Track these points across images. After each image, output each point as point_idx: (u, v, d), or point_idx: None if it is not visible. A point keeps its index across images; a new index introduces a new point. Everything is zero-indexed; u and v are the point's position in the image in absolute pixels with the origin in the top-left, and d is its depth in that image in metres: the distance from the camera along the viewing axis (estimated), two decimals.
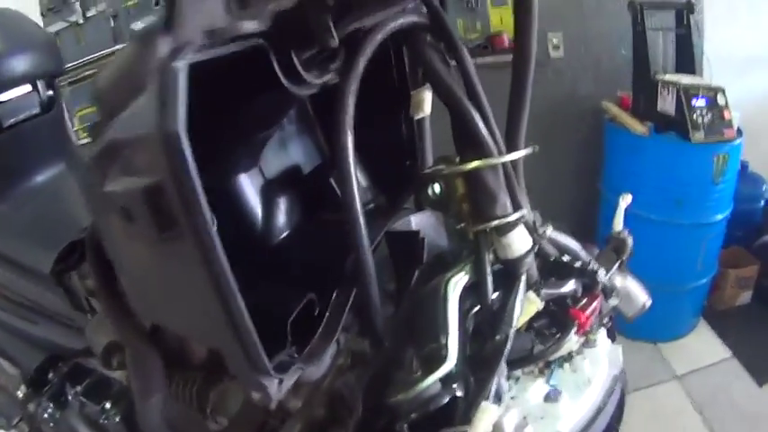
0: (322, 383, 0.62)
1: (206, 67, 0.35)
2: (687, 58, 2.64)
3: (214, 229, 0.43)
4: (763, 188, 3.12)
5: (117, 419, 1.00)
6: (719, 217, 2.58)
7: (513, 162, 0.64)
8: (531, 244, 0.64)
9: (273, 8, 0.41)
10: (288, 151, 0.73)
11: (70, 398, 1.12)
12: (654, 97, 2.52)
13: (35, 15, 2.70)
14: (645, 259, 2.45)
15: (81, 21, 2.55)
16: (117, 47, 2.52)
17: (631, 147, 2.62)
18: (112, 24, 2.58)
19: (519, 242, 0.62)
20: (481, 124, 0.61)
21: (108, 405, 1.01)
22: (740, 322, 2.98)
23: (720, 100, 2.41)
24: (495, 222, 0.60)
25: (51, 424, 1.16)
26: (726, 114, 2.41)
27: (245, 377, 0.50)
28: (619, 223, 0.98)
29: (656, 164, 2.52)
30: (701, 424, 2.48)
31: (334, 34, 0.46)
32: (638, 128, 2.54)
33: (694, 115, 2.37)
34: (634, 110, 2.66)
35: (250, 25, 0.40)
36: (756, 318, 2.99)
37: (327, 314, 0.59)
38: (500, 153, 0.62)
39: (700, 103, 2.38)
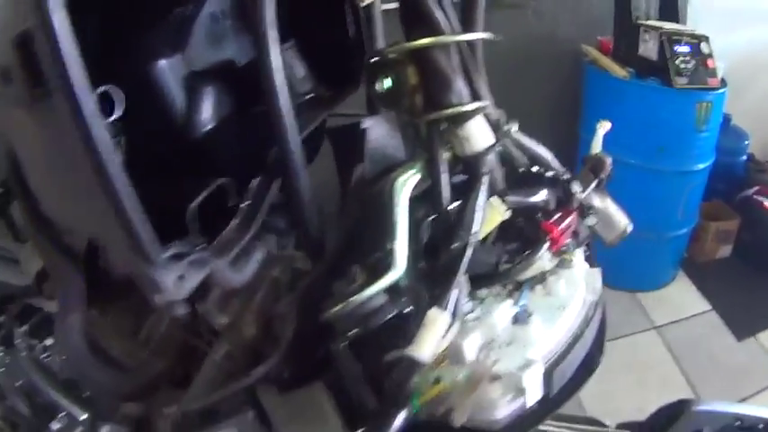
0: (252, 298, 0.53)
1: None
2: (671, 5, 2.56)
3: (87, 87, 0.35)
4: (746, 142, 3.06)
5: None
6: (701, 166, 2.52)
7: (471, 47, 0.53)
8: (494, 141, 0.54)
9: None
10: (222, 46, 0.65)
11: (18, 340, 1.06)
12: (635, 42, 2.44)
13: None
14: (626, 206, 2.39)
15: None
16: None
17: (612, 91, 2.54)
18: None
19: (478, 135, 0.52)
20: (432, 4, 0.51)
21: (50, 342, 0.94)
22: (720, 276, 2.96)
23: (705, 48, 2.34)
24: (450, 110, 0.50)
25: (1, 368, 1.09)
26: (710, 63, 2.34)
27: (135, 269, 0.41)
28: (596, 147, 0.88)
29: (637, 109, 2.44)
30: (678, 375, 2.46)
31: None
32: (619, 71, 2.46)
33: (677, 61, 2.29)
34: (615, 54, 2.58)
35: None
36: (736, 272, 2.97)
37: (245, 204, 0.50)
38: (454, 33, 0.51)
39: (683, 49, 2.31)
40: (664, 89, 2.33)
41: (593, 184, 0.75)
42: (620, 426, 1.08)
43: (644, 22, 2.45)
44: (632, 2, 2.49)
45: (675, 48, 2.30)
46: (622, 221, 0.79)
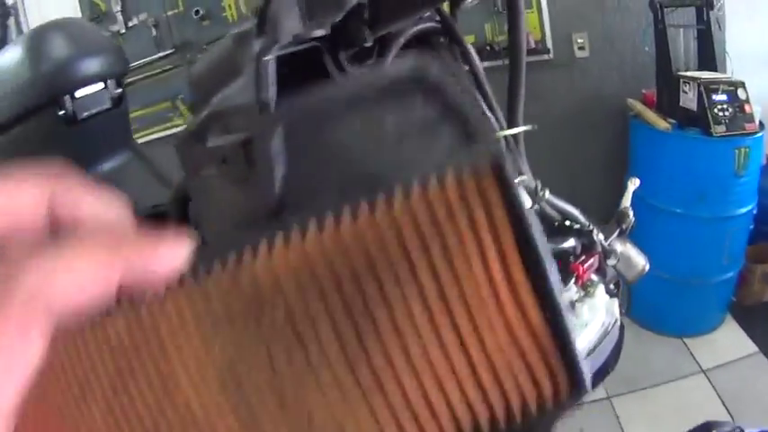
0: None
1: (283, 59, 0.51)
2: (708, 54, 2.75)
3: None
4: None
5: None
6: (743, 210, 2.68)
7: (515, 137, 0.78)
8: (532, 203, 0.78)
9: (329, 20, 0.56)
10: None
11: None
12: (676, 94, 2.63)
13: None
14: (671, 253, 2.62)
15: (123, 30, 2.75)
16: (161, 54, 2.73)
17: (655, 143, 2.74)
18: (154, 33, 2.77)
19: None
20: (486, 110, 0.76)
21: None
22: (767, 318, 3.04)
23: (741, 94, 2.52)
24: None
25: None
26: (747, 108, 2.52)
27: None
28: (625, 202, 1.12)
29: (679, 159, 2.64)
30: (726, 417, 2.56)
31: (368, 38, 0.61)
32: (661, 124, 2.66)
33: (715, 110, 2.48)
34: (658, 106, 2.78)
35: (316, 32, 0.55)
36: None
37: None
38: (501, 128, 0.76)
39: (720, 97, 2.49)
40: (703, 138, 2.52)
41: (616, 233, 0.99)
42: None
43: (684, 73, 2.66)
44: (672, 54, 2.71)
45: (713, 97, 2.48)
46: (641, 262, 1.02)
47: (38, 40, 1.20)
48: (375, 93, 0.29)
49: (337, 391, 0.24)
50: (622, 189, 2.96)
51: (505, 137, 0.76)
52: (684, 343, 2.96)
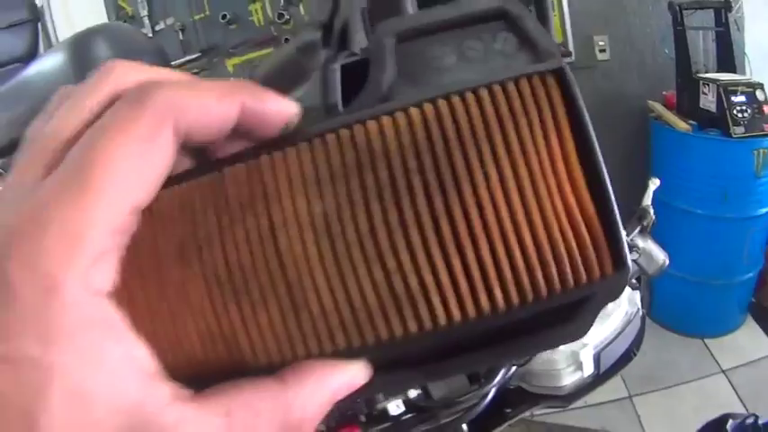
0: None
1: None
2: (728, 56, 2.79)
3: None
4: None
5: None
6: (763, 211, 2.72)
7: None
8: None
9: None
10: None
11: None
12: (696, 95, 2.68)
13: None
14: (692, 254, 2.67)
15: (150, 34, 2.83)
16: (188, 57, 2.80)
17: (676, 144, 2.79)
18: (181, 37, 2.85)
19: None
20: None
21: None
22: None
23: (759, 95, 2.55)
24: None
25: None
26: (765, 109, 2.55)
27: None
28: (646, 200, 1.19)
29: (699, 160, 2.69)
30: None
31: None
32: (681, 125, 2.70)
33: (734, 111, 2.52)
34: (678, 108, 2.83)
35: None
36: None
37: None
38: None
39: (739, 99, 2.52)
40: (723, 140, 2.57)
41: (638, 230, 1.07)
42: None
43: (703, 75, 2.70)
44: (691, 56, 2.75)
45: (732, 98, 2.52)
46: (661, 257, 1.10)
47: (82, 44, 1.28)
48: (464, 20, 0.34)
49: (422, 251, 0.28)
50: (643, 189, 3.04)
51: None
52: (705, 343, 3.01)
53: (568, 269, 0.29)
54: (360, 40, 0.59)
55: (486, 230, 0.28)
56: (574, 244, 0.29)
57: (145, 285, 0.29)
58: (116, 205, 0.26)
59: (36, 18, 2.30)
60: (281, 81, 0.67)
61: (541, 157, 0.29)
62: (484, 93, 0.29)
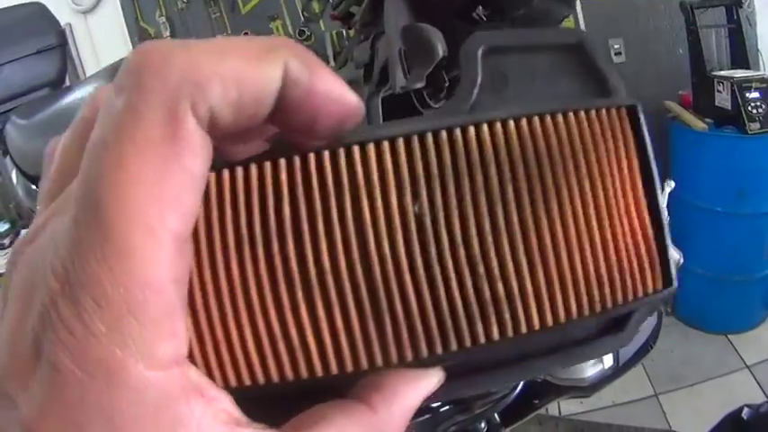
0: None
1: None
2: (741, 53, 2.82)
3: None
4: None
5: None
6: None
7: None
8: None
9: (424, 72, 0.69)
10: None
11: None
12: (711, 93, 2.70)
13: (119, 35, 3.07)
14: (713, 251, 2.71)
15: None
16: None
17: (693, 143, 2.82)
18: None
19: None
20: None
21: None
22: None
23: None
24: None
25: None
26: None
27: None
28: (662, 201, 1.26)
29: (717, 158, 2.71)
30: None
31: (446, 80, 0.76)
32: (698, 124, 2.73)
33: (749, 108, 2.54)
34: (695, 107, 2.85)
35: (417, 84, 0.69)
36: None
37: None
38: None
39: (754, 95, 2.54)
40: (739, 137, 2.60)
41: None
42: None
43: (717, 72, 2.73)
44: (705, 54, 2.77)
45: (746, 95, 2.54)
46: (675, 256, 1.17)
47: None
48: (545, 46, 0.35)
49: (509, 256, 0.29)
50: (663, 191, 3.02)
51: None
52: (729, 339, 3.02)
53: (629, 284, 0.31)
54: (399, 77, 0.66)
55: (567, 244, 0.30)
56: (635, 262, 0.31)
57: (203, 286, 0.26)
58: (154, 254, 0.20)
59: (64, 43, 2.36)
60: None
61: (615, 181, 0.31)
62: (572, 117, 0.31)
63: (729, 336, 3.05)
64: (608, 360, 0.92)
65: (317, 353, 0.27)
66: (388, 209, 0.27)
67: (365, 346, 0.28)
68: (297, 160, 0.27)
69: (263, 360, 0.27)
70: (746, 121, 2.56)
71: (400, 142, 0.28)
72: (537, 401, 0.93)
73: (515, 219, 0.29)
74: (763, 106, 2.57)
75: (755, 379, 2.80)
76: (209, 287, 0.26)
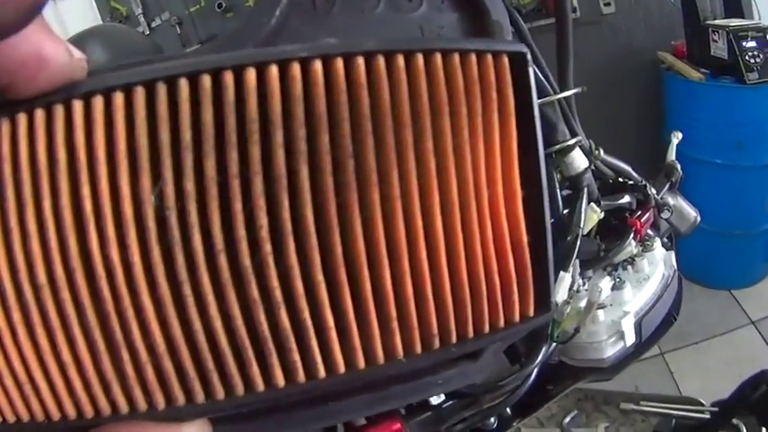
0: None
1: None
2: (734, 2, 2.75)
3: None
4: None
5: None
6: None
7: (567, 99, 0.82)
8: (588, 163, 0.82)
9: None
10: None
11: None
12: (706, 43, 2.63)
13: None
14: (713, 205, 2.62)
15: (147, 32, 2.79)
16: (188, 50, 2.74)
17: (689, 94, 2.74)
18: (179, 31, 2.82)
19: (578, 161, 0.80)
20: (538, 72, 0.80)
21: None
22: None
23: None
24: (557, 146, 0.78)
25: None
26: None
27: None
28: (671, 155, 1.14)
29: (714, 109, 2.64)
30: None
31: None
32: (694, 74, 2.66)
33: (746, 57, 2.47)
34: (689, 57, 2.79)
35: None
36: None
37: None
38: (555, 92, 0.80)
39: (750, 44, 2.47)
40: (737, 87, 2.52)
41: (666, 187, 1.02)
42: (714, 403, 1.29)
43: (712, 22, 2.64)
44: (698, 3, 2.69)
45: (743, 44, 2.47)
46: (692, 214, 1.06)
47: (79, 47, 1.26)
48: None
49: (297, 270, 0.22)
50: (659, 142, 2.98)
51: (558, 99, 0.80)
52: (732, 295, 2.99)
53: (486, 313, 0.24)
54: None
55: (393, 251, 0.23)
56: (497, 281, 0.24)
57: None
58: None
59: None
60: None
61: (478, 160, 0.24)
62: (419, 60, 0.24)
63: (733, 291, 3.01)
64: (630, 336, 0.80)
65: (46, 391, 0.20)
66: (117, 198, 0.20)
67: (102, 387, 0.21)
68: (2, 124, 0.20)
69: None
70: (744, 71, 2.49)
71: (138, 94, 0.21)
72: (551, 387, 0.82)
73: (309, 213, 0.21)
74: (761, 56, 2.49)
75: (761, 334, 2.76)
76: None
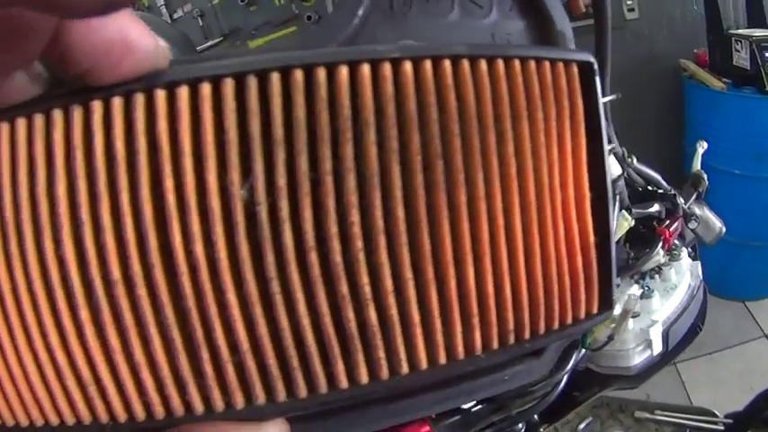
0: None
1: None
2: (758, 11, 2.72)
3: None
4: None
5: None
6: None
7: (605, 106, 0.82)
8: (621, 170, 0.82)
9: None
10: None
11: None
12: (729, 52, 2.60)
13: None
14: (730, 215, 2.55)
15: (169, 22, 2.79)
16: (210, 43, 2.76)
17: (710, 103, 2.72)
18: (201, 23, 2.80)
19: (612, 167, 0.80)
20: None
21: None
22: None
23: None
24: None
25: None
26: None
27: None
28: (696, 165, 1.14)
29: (734, 118, 2.62)
30: None
31: None
32: (716, 83, 2.64)
33: None
34: (711, 66, 2.75)
35: None
36: None
37: None
38: None
39: None
40: (758, 97, 2.50)
41: (694, 197, 1.02)
42: (727, 415, 1.28)
43: (735, 31, 2.62)
44: (722, 12, 2.68)
45: (766, 55, 2.44)
46: (718, 225, 1.06)
47: None
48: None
49: (388, 268, 0.23)
50: (679, 150, 2.95)
51: None
52: (746, 306, 2.97)
53: (556, 310, 0.25)
54: None
55: (477, 250, 0.23)
56: (568, 280, 0.25)
57: None
58: None
59: None
60: None
61: (553, 166, 0.24)
62: (500, 66, 0.24)
63: (747, 302, 2.99)
64: (657, 345, 0.80)
65: (114, 392, 0.20)
66: (203, 191, 0.20)
67: (177, 387, 0.20)
68: (75, 111, 0.20)
69: (48, 399, 0.20)
70: (766, 82, 2.46)
71: (227, 85, 0.20)
72: (578, 394, 0.82)
73: (400, 211, 0.21)
74: None
75: None
76: None
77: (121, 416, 0.21)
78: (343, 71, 0.22)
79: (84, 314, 0.20)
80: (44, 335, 0.20)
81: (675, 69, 2.95)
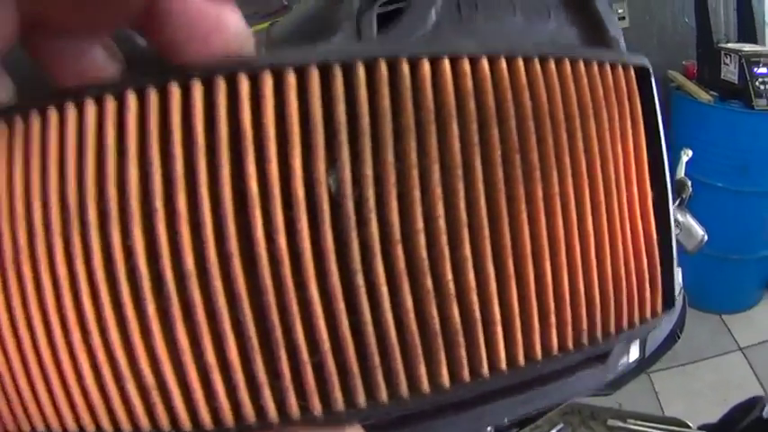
0: None
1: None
2: (748, 25, 2.74)
3: None
4: None
5: None
6: None
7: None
8: None
9: None
10: None
11: None
12: (717, 66, 2.62)
13: None
14: (710, 227, 2.56)
15: None
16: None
17: (697, 115, 2.73)
18: None
19: None
20: None
21: None
22: None
23: None
24: None
25: None
26: None
27: None
28: (680, 172, 1.14)
29: (720, 132, 2.63)
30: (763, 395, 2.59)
31: None
32: (703, 96, 2.66)
33: (756, 83, 2.46)
34: (699, 78, 2.77)
35: None
36: None
37: None
38: None
39: (762, 70, 2.47)
40: (745, 112, 2.52)
41: (676, 203, 1.01)
42: (700, 426, 1.29)
43: (725, 45, 2.64)
44: (712, 25, 2.69)
45: (754, 70, 2.47)
46: (700, 232, 1.04)
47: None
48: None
49: (471, 264, 0.22)
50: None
51: None
52: (722, 319, 2.98)
53: (625, 308, 0.24)
54: None
55: (553, 249, 0.23)
56: (635, 278, 0.25)
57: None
58: None
59: None
60: (305, 36, 0.61)
61: (618, 165, 0.24)
62: (567, 66, 0.24)
63: (723, 316, 3.00)
64: (634, 352, 0.79)
65: (179, 397, 0.19)
66: (288, 179, 0.19)
67: (250, 391, 0.20)
68: (151, 94, 0.19)
69: (102, 403, 0.19)
70: (753, 97, 2.49)
71: (313, 73, 0.20)
72: None
73: (482, 205, 0.21)
74: None
75: (748, 361, 2.77)
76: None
77: (185, 423, 0.20)
78: (425, 64, 0.22)
79: (151, 309, 0.19)
80: (103, 331, 0.19)
81: (663, 80, 2.96)
